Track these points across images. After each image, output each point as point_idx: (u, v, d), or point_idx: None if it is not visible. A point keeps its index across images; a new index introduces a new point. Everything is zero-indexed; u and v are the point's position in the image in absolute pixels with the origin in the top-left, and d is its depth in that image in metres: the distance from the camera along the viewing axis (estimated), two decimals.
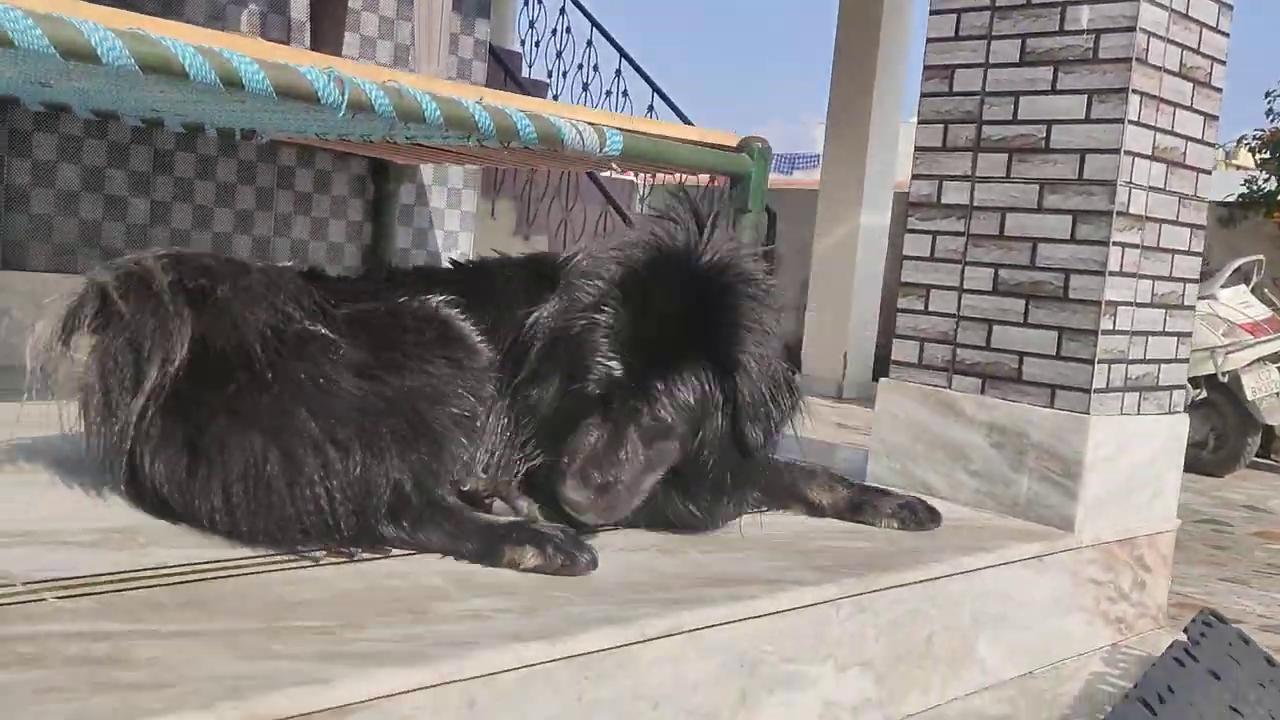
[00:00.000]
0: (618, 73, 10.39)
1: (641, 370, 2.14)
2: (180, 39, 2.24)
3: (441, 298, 2.29)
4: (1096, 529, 2.84)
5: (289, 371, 2.03)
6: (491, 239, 7.01)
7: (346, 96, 2.47)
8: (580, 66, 10.77)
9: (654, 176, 11.29)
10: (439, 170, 4.63)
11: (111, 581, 1.73)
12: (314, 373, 2.03)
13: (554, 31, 11.15)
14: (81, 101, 3.37)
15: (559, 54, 11.09)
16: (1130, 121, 2.74)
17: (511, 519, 2.10)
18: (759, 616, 2.01)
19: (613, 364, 2.15)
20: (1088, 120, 2.78)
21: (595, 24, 10.74)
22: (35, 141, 3.62)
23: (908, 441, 3.06)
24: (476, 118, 2.72)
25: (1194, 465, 6.12)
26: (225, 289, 2.12)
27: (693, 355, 2.15)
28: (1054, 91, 2.83)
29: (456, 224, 4.73)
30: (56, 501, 2.11)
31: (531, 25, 11.31)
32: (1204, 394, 6.95)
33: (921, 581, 2.35)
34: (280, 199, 4.19)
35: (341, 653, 1.55)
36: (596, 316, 2.18)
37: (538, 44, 11.32)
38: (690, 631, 1.89)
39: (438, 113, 2.64)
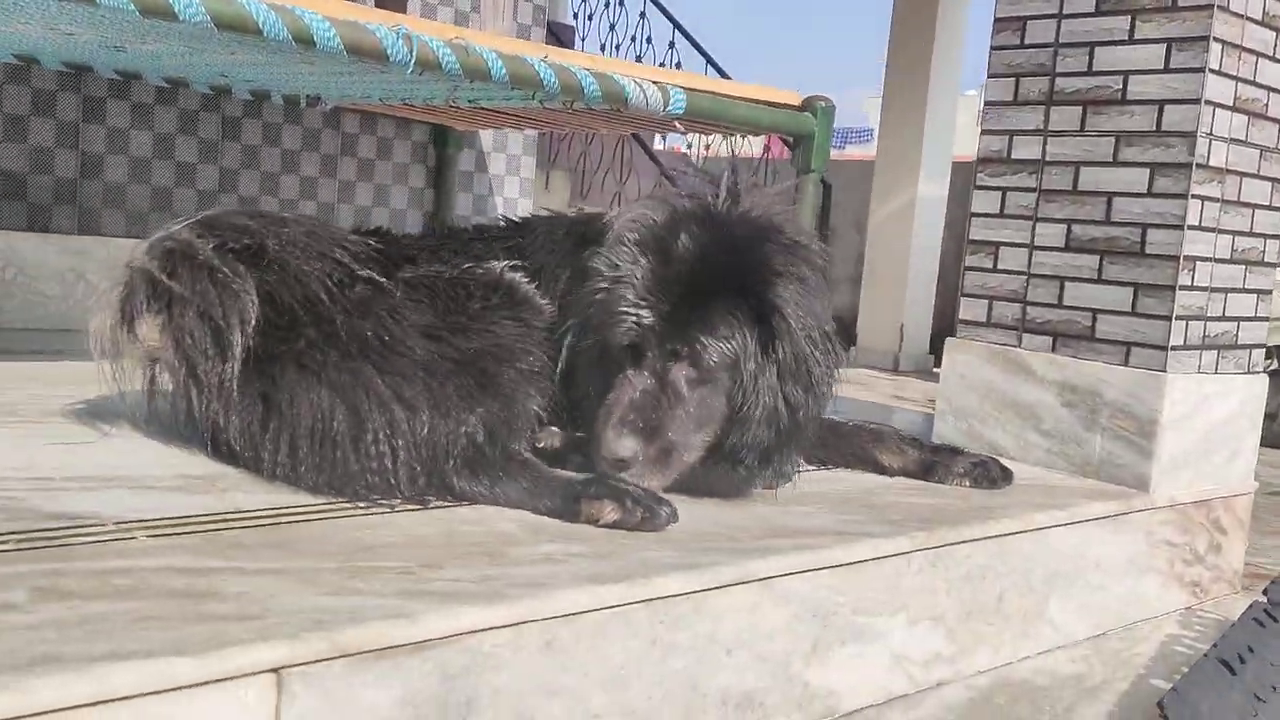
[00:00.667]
0: (671, 45, 10.33)
1: (676, 314, 2.07)
2: None
3: (506, 263, 2.29)
4: (1172, 490, 2.79)
5: (356, 329, 2.05)
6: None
7: (415, 54, 2.48)
8: (633, 39, 10.73)
9: (708, 149, 11.27)
10: (498, 137, 4.64)
11: (197, 522, 1.77)
12: (380, 331, 2.05)
13: (607, 4, 11.10)
14: (153, 68, 3.42)
15: (612, 27, 11.04)
16: (1211, 71, 2.67)
17: (589, 474, 2.07)
18: (831, 567, 2.00)
19: (642, 311, 2.08)
20: (1166, 70, 2.72)
21: (678, 25, 10.65)
22: (109, 109, 3.68)
23: (975, 402, 3.03)
24: (542, 75, 2.72)
25: (1263, 438, 5.99)
26: (273, 244, 2.14)
27: (727, 299, 2.07)
28: (1131, 41, 2.76)
29: (516, 190, 4.74)
30: (136, 452, 2.16)
31: (612, 28, 11.23)
32: (1275, 365, 6.79)
33: (994, 537, 2.32)
34: (343, 166, 4.23)
35: (421, 590, 1.57)
36: (623, 271, 2.13)
37: (590, 17, 11.29)
38: (764, 580, 1.89)
39: (503, 70, 2.64)
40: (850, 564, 2.03)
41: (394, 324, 2.07)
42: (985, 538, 2.30)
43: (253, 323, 2.05)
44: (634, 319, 2.09)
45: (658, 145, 10.31)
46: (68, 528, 1.67)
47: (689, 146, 11.42)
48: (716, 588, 1.81)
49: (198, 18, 2.17)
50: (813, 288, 2.12)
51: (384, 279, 2.15)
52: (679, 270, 2.08)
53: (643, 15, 10.59)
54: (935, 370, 7.38)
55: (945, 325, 10.09)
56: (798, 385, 2.11)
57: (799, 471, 2.29)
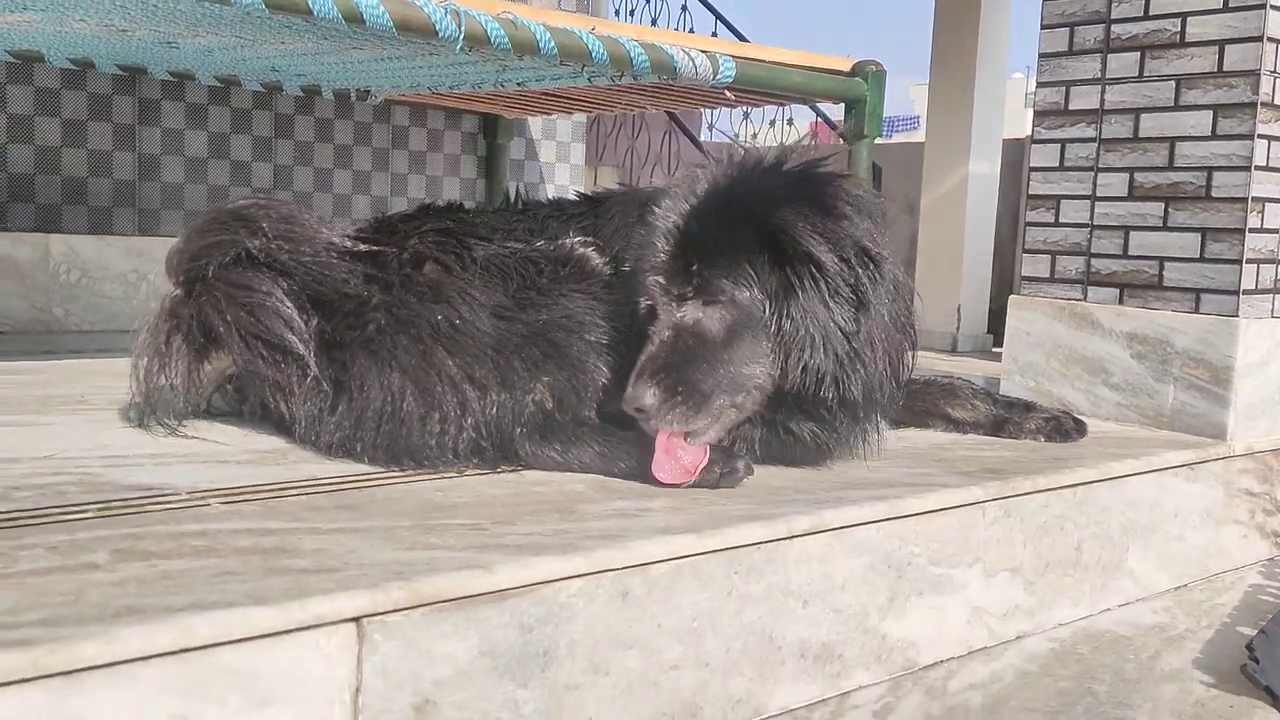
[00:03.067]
0: (713, 35, 10.31)
1: (687, 259, 1.99)
2: None
3: (577, 239, 2.27)
4: (1249, 438, 2.72)
5: (427, 313, 2.06)
6: None
7: (463, 29, 2.49)
8: (676, 31, 10.72)
9: (754, 138, 11.24)
10: (547, 124, 4.66)
11: (271, 489, 1.78)
12: (451, 315, 2.06)
13: (676, 30, 11.08)
14: (205, 66, 3.47)
15: (654, 21, 11.05)
16: (1272, 7, 2.60)
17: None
18: (904, 517, 1.97)
19: (658, 267, 2.01)
20: (1225, 9, 2.65)
21: (719, 15, 10.64)
22: (164, 110, 3.74)
23: (1042, 358, 2.98)
24: (590, 47, 2.72)
25: None
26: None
27: (740, 230, 1.97)
28: None
29: (566, 177, 4.75)
30: (206, 433, 2.18)
31: (654, 23, 11.22)
32: None
33: (1069, 486, 2.28)
34: (395, 159, 4.26)
35: (496, 544, 1.57)
36: (651, 232, 2.07)
37: (632, 13, 11.31)
38: (836, 530, 1.86)
39: (552, 43, 2.64)
40: (923, 513, 2.00)
41: (464, 305, 2.07)
42: (1060, 487, 2.26)
43: (298, 319, 2.09)
44: (647, 287, 2.05)
45: (704, 137, 10.29)
46: (143, 497, 1.70)
47: (736, 137, 11.43)
48: (789, 537, 1.79)
49: (250, 1, 2.19)
50: (837, 209, 2.00)
51: (455, 258, 2.15)
52: (689, 214, 2.03)
53: (684, 9, 10.58)
54: (995, 350, 7.27)
55: (1002, 305, 9.99)
56: (843, 307, 1.96)
57: (880, 432, 2.20)
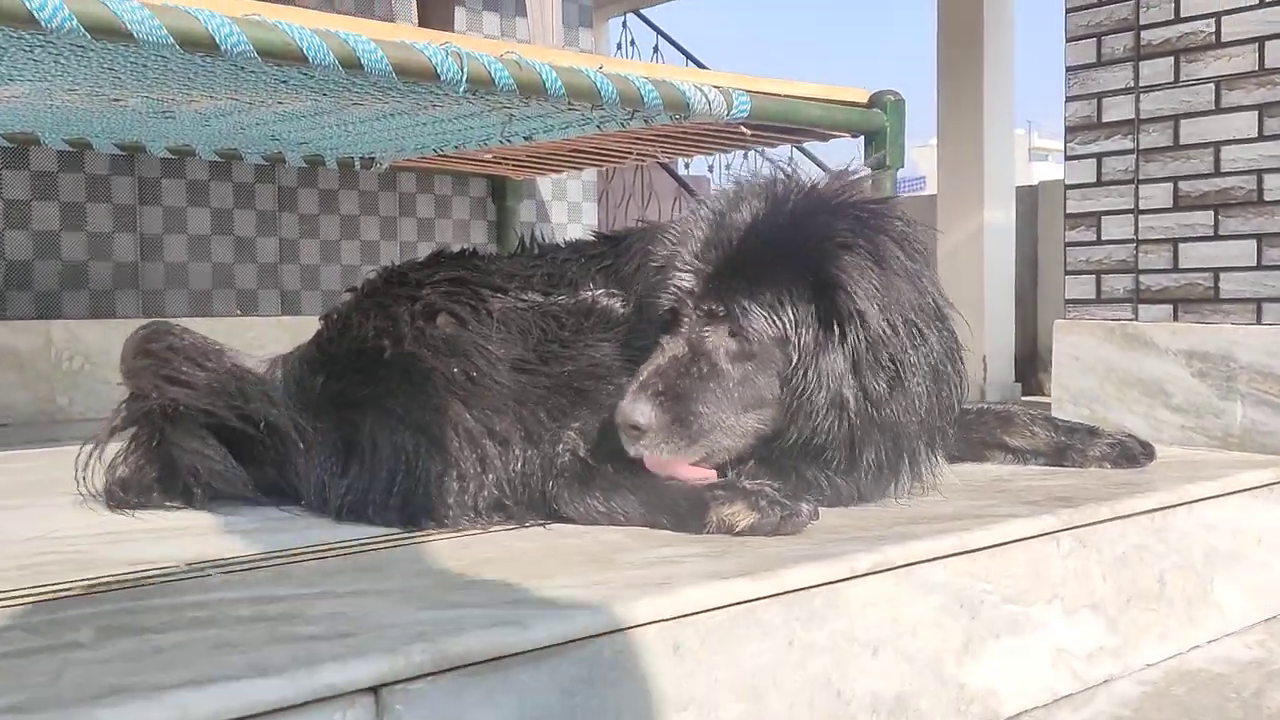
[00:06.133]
0: (655, 50, 10.36)
1: (713, 276, 1.87)
2: (296, 23, 2.19)
3: (600, 290, 2.12)
4: None
5: (443, 368, 1.92)
6: None
7: (466, 71, 2.38)
8: (617, 46, 10.78)
9: (727, 168, 11.17)
10: (557, 185, 4.56)
11: (278, 557, 1.62)
12: (468, 368, 1.92)
13: (619, 46, 11.10)
14: (204, 138, 3.39)
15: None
16: None
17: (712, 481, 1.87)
18: (973, 551, 1.79)
19: (682, 275, 1.89)
20: (1261, 4, 2.53)
21: (691, 58, 10.72)
22: (164, 188, 3.65)
23: (1094, 384, 2.80)
24: (599, 85, 2.61)
25: None
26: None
27: (777, 267, 1.84)
28: None
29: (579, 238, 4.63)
30: (207, 508, 2.02)
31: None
32: None
33: (1146, 512, 2.10)
34: (404, 227, 4.16)
35: (529, 599, 1.40)
36: (674, 245, 1.96)
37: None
38: (902, 568, 1.69)
39: (559, 82, 2.53)
40: (993, 546, 1.82)
41: (482, 359, 1.93)
42: (1137, 513, 2.07)
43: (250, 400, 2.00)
44: (673, 284, 1.91)
45: (680, 171, 10.22)
46: (137, 572, 1.54)
47: (710, 170, 11.36)
48: (852, 577, 1.61)
49: (240, 47, 2.09)
50: (892, 264, 1.87)
51: (470, 310, 2.01)
52: (727, 235, 1.90)
53: (655, 50, 10.60)
54: (1024, 398, 7.09)
55: (1028, 350, 9.80)
56: (878, 375, 1.83)
57: (937, 466, 2.03)
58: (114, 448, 2.06)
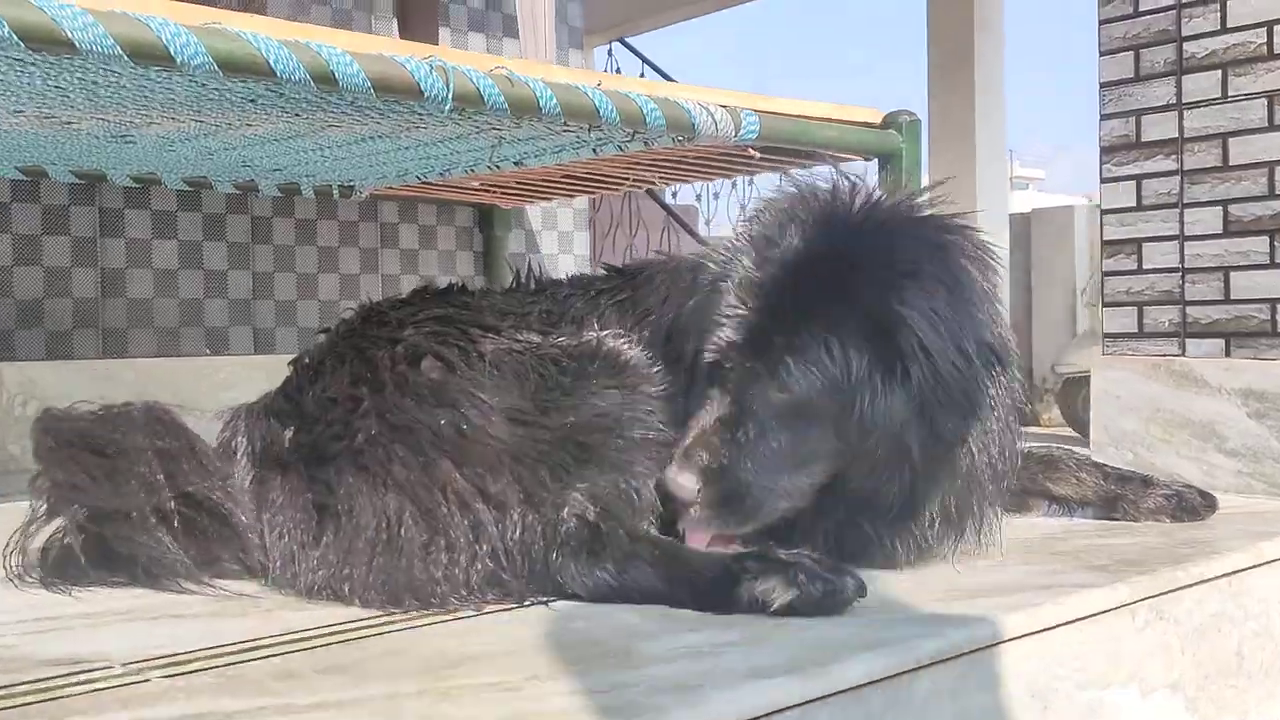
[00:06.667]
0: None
1: (762, 324, 1.66)
2: (262, 33, 1.95)
3: (605, 332, 1.88)
4: None
5: (428, 419, 1.68)
6: None
7: (452, 87, 2.15)
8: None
9: (716, 197, 10.98)
10: (547, 214, 4.33)
11: (233, 653, 1.37)
12: (457, 419, 1.67)
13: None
14: (169, 165, 3.14)
15: None
16: None
17: (738, 549, 1.63)
18: (1045, 630, 1.55)
19: (727, 326, 1.68)
20: None
21: (647, 61, 10.59)
22: (128, 219, 3.40)
23: (1139, 425, 2.58)
24: (598, 104, 2.38)
25: None
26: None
27: (832, 306, 1.63)
28: None
29: (571, 269, 4.40)
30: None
31: None
32: None
33: (1222, 576, 1.86)
34: (385, 259, 3.92)
35: (536, 711, 1.15)
36: (722, 280, 1.73)
37: None
38: (968, 654, 1.44)
39: (554, 100, 2.30)
40: (1066, 624, 1.58)
41: (472, 408, 1.68)
42: (1216, 576, 1.84)
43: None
44: (716, 335, 1.70)
45: (702, 231, 10.04)
46: (64, 674, 1.28)
47: (698, 198, 11.18)
48: (916, 669, 1.37)
49: (199, 59, 1.85)
50: (965, 288, 1.66)
51: (458, 353, 1.77)
52: (773, 271, 1.67)
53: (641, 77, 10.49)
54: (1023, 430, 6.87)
55: (1025, 380, 9.63)
56: (950, 414, 1.62)
57: (995, 524, 1.80)
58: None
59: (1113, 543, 1.97)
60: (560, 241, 4.38)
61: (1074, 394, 8.29)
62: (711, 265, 1.77)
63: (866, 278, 1.63)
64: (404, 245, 3.96)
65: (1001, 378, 1.69)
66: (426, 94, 2.12)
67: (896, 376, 1.60)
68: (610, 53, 11.22)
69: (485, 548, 1.60)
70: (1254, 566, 1.92)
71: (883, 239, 1.68)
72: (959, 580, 1.70)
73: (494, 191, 3.80)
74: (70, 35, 1.73)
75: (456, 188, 3.68)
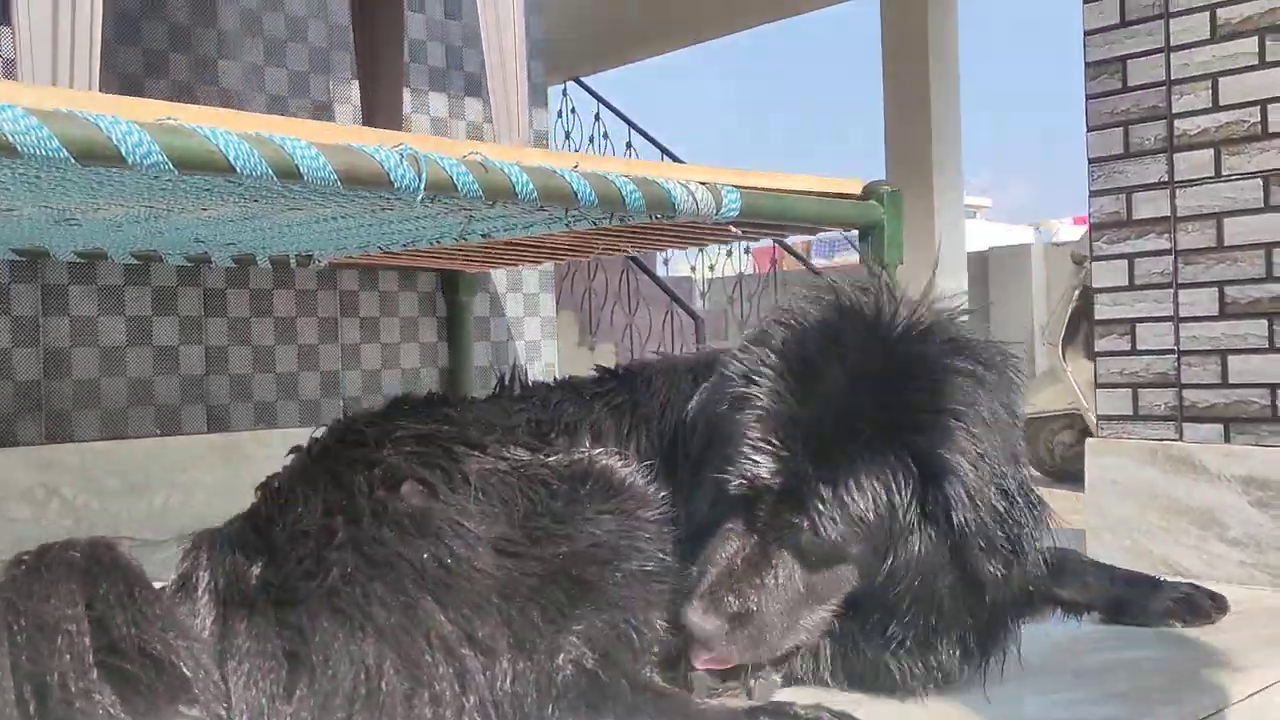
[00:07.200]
0: (628, 145, 10.28)
1: (801, 468, 1.56)
2: (221, 127, 1.82)
3: (597, 450, 1.77)
4: None
5: (408, 552, 1.55)
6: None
7: (424, 177, 2.04)
8: (590, 140, 10.76)
9: (711, 269, 10.94)
10: (512, 277, 4.21)
11: None
12: (440, 552, 1.55)
13: (590, 140, 11.01)
14: (116, 243, 2.99)
15: (567, 135, 11.01)
16: None
17: (753, 703, 1.54)
18: None
19: (761, 457, 1.58)
20: None
21: (632, 125, 10.58)
22: (72, 296, 3.23)
23: (1135, 511, 2.50)
24: (575, 187, 2.27)
25: None
26: None
27: (877, 450, 1.55)
28: (1264, 64, 2.33)
29: (537, 332, 4.28)
30: None
31: (568, 136, 11.18)
32: None
33: (1246, 699, 1.77)
34: (345, 328, 3.77)
35: None
36: (748, 391, 1.62)
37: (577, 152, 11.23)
38: None
39: (530, 186, 2.19)
40: None
41: (457, 539, 1.56)
42: (1240, 700, 1.75)
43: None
44: (751, 464, 1.58)
45: (660, 272, 9.97)
46: None
47: (693, 270, 11.15)
48: None
49: (152, 159, 1.72)
50: (999, 423, 1.58)
51: (441, 475, 1.64)
52: (817, 408, 1.57)
53: (629, 146, 10.46)
54: None
55: None
56: (993, 559, 1.54)
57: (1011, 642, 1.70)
58: None
59: (1129, 657, 1.88)
60: (526, 304, 4.26)
61: (1035, 433, 8.31)
62: (733, 373, 1.66)
63: (916, 422, 1.54)
64: (364, 313, 3.82)
65: (1041, 510, 1.62)
66: (397, 184, 1.99)
67: (940, 524, 1.52)
68: (565, 92, 11.19)
69: (473, 700, 1.47)
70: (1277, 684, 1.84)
71: (930, 374, 1.58)
72: (982, 715, 1.59)
73: (458, 258, 3.67)
74: (9, 139, 1.59)
75: (419, 253, 3.55)
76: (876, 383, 1.57)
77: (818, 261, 12.85)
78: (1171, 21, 2.44)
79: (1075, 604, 2.09)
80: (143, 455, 3.30)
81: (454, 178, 2.07)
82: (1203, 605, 2.07)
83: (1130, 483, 2.50)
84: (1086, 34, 2.58)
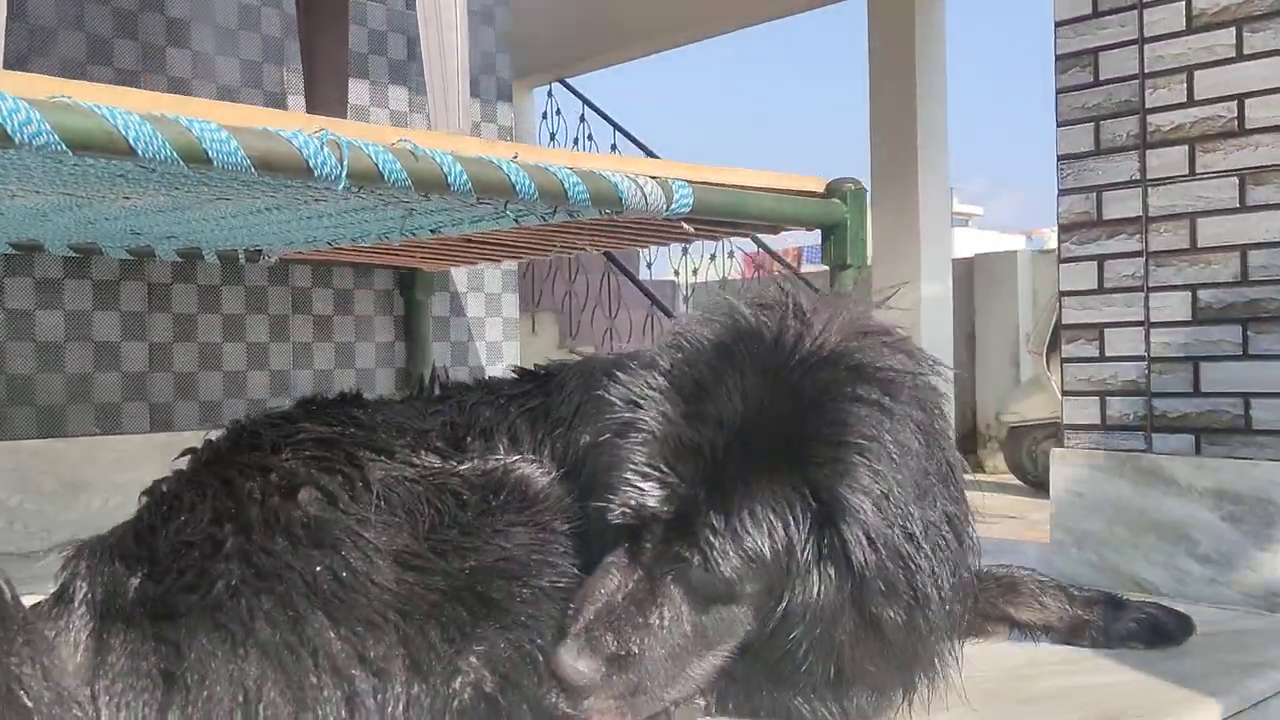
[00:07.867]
0: (613, 147, 10.17)
1: (691, 495, 1.42)
2: (121, 106, 1.70)
3: (514, 457, 1.66)
4: None
5: (300, 563, 1.43)
6: (534, 355, 6.47)
7: (346, 164, 1.92)
8: (575, 141, 10.68)
9: (695, 274, 10.83)
10: (474, 276, 4.09)
11: None
12: (335, 564, 1.43)
13: (575, 141, 10.90)
14: (49, 234, 2.86)
15: (552, 136, 10.93)
16: None
17: None
18: None
19: (648, 484, 1.44)
20: None
21: (617, 126, 10.48)
22: (6, 290, 3.10)
23: (1102, 525, 2.39)
24: (513, 179, 2.16)
25: None
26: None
27: (774, 480, 1.41)
28: (1241, 58, 2.22)
29: (499, 333, 4.16)
30: None
31: (552, 138, 11.08)
32: None
33: None
34: (296, 326, 3.64)
35: None
36: (634, 415, 1.49)
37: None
38: None
39: (464, 176, 2.07)
40: None
41: (354, 551, 1.44)
42: None
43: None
44: (635, 491, 1.45)
45: (643, 275, 9.85)
46: None
47: (676, 274, 11.04)
48: None
49: (41, 138, 1.60)
50: (913, 457, 1.43)
51: (342, 481, 1.52)
52: (711, 436, 1.43)
53: (614, 148, 10.36)
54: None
55: (967, 427, 9.50)
56: (894, 605, 1.41)
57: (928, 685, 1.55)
58: None
59: (1087, 682, 1.76)
60: (488, 304, 4.14)
61: (1019, 443, 8.18)
62: (616, 397, 1.52)
63: (815, 455, 1.40)
64: (317, 311, 3.69)
65: (952, 550, 1.46)
66: (316, 172, 1.88)
67: (840, 565, 1.38)
68: (550, 93, 11.10)
69: None
70: (1242, 711, 1.73)
71: (832, 403, 1.44)
72: None
73: (415, 255, 3.55)
74: None
75: (374, 250, 3.43)
76: (774, 410, 1.43)
77: (808, 268, 12.72)
78: (1145, 12, 2.33)
79: (1031, 625, 1.98)
80: (81, 454, 3.18)
81: (379, 165, 1.96)
82: (1168, 627, 1.95)
83: (1096, 496, 2.39)
84: (1057, 25, 2.47)
